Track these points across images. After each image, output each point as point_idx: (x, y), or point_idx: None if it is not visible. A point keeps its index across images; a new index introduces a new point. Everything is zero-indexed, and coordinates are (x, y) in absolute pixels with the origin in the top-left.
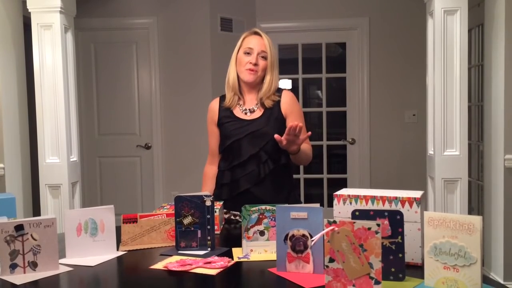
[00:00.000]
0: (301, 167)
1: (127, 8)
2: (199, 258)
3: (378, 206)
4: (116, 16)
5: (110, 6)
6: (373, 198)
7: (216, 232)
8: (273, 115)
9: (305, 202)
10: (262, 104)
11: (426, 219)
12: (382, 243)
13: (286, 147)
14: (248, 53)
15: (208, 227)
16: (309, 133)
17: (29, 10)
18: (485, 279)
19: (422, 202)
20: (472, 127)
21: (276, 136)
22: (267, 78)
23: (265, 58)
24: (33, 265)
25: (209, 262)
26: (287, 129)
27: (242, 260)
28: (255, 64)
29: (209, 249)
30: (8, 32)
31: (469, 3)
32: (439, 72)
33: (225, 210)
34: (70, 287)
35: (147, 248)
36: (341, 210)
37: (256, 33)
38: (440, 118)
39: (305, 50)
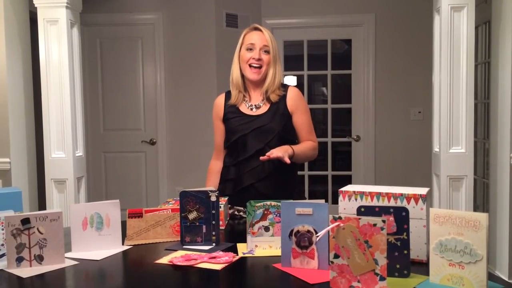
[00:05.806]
0: (306, 164)
1: (132, 4)
2: (204, 253)
3: (384, 202)
4: (121, 11)
5: (116, 1)
6: (379, 195)
7: (221, 227)
8: (278, 111)
9: (309, 199)
10: (268, 99)
11: (432, 215)
12: (387, 239)
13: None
14: (250, 49)
15: (213, 222)
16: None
17: (35, 5)
18: (490, 277)
19: (427, 199)
20: (478, 125)
21: (261, 158)
22: (271, 72)
23: (267, 52)
24: (39, 259)
25: (214, 257)
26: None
27: (246, 255)
28: (259, 59)
29: (214, 244)
30: (14, 27)
31: (476, 0)
32: (446, 69)
33: (229, 206)
34: (76, 281)
35: (152, 243)
36: (346, 206)
37: (257, 29)
38: (446, 116)
39: (310, 47)
